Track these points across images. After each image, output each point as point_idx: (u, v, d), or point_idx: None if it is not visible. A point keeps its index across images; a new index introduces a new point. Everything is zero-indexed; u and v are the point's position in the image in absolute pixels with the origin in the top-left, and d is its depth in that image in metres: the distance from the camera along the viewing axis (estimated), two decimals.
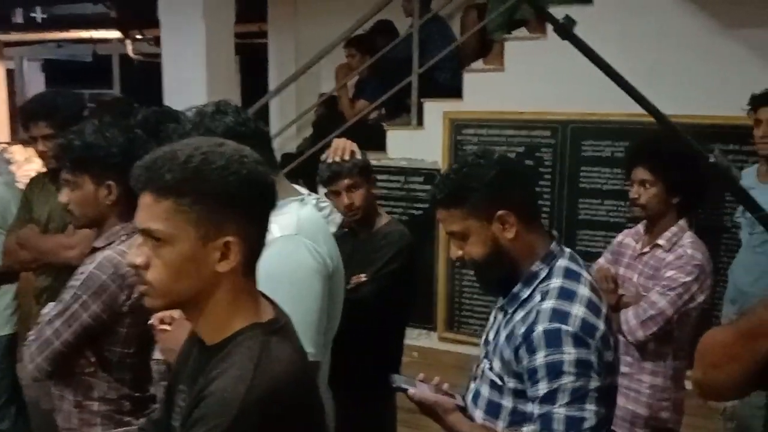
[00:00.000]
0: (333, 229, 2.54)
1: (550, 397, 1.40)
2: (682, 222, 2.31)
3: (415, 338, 4.52)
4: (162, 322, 1.62)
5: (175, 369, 1.32)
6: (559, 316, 1.42)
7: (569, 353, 1.39)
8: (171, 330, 1.57)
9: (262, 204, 1.14)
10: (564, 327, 1.41)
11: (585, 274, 1.53)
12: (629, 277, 2.38)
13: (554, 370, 1.39)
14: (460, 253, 1.56)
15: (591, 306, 1.45)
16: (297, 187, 1.86)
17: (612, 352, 1.47)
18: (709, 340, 1.33)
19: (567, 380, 1.39)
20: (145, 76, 7.10)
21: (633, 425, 2.31)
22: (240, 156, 1.11)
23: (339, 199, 2.34)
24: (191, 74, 4.44)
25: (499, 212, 1.49)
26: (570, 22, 1.10)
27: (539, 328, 1.42)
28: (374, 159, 4.53)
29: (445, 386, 1.62)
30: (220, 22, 4.58)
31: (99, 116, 2.37)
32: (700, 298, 2.22)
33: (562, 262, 1.52)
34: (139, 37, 7.59)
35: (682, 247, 2.25)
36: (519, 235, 1.51)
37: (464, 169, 1.54)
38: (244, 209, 1.11)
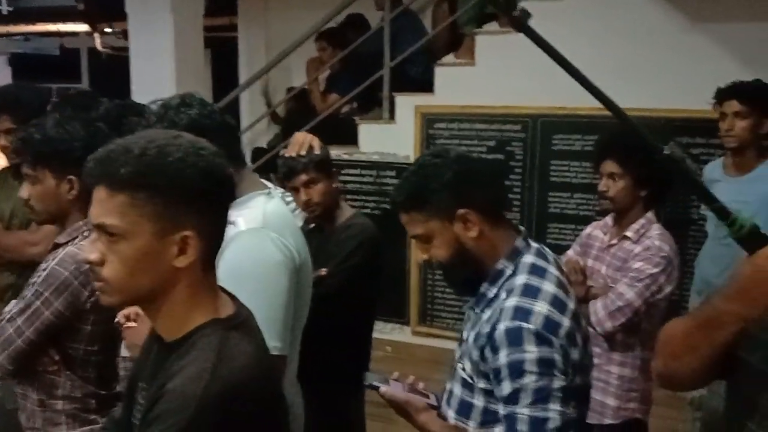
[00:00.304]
0: (299, 224, 2.53)
1: (513, 398, 1.38)
2: (649, 214, 2.33)
3: (389, 332, 4.52)
4: (128, 318, 1.60)
5: (135, 366, 1.30)
6: (521, 313, 1.39)
7: (531, 352, 1.36)
8: (137, 326, 1.55)
9: (221, 197, 1.13)
10: (525, 325, 1.38)
11: (552, 269, 1.50)
12: (597, 269, 2.40)
13: (516, 370, 1.37)
14: (426, 256, 1.54)
15: (556, 303, 1.42)
16: (264, 181, 1.84)
17: (580, 349, 1.45)
18: (668, 331, 1.34)
19: (529, 380, 1.36)
20: (114, 70, 6.98)
21: (602, 416, 2.34)
22: (197, 148, 1.09)
23: (297, 195, 2.31)
24: (160, 68, 4.38)
25: (460, 211, 1.47)
26: (525, 14, 1.10)
27: (501, 327, 1.39)
28: (346, 153, 4.56)
29: (421, 385, 1.60)
30: (188, 15, 4.52)
31: (61, 110, 2.33)
32: (668, 289, 2.25)
33: (527, 259, 1.50)
34: (107, 30, 7.47)
35: (649, 239, 2.27)
36: (482, 233, 1.49)
37: (422, 170, 1.52)
38: (201, 203, 1.09)
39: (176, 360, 1.07)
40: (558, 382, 1.37)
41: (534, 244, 1.55)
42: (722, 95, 2.87)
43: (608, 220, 2.47)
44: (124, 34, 5.71)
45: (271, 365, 1.18)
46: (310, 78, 4.89)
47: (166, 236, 1.07)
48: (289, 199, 2.46)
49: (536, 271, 1.47)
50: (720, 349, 1.21)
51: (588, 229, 2.56)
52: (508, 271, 1.49)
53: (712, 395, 2.59)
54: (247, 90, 5.02)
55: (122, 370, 1.85)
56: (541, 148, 4.15)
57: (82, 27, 7.69)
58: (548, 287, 1.44)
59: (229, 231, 1.51)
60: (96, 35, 7.68)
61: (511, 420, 1.38)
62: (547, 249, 1.57)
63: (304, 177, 2.29)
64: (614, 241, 2.37)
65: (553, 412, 1.36)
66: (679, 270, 2.30)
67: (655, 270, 2.22)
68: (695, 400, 2.98)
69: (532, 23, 3.65)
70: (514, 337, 1.37)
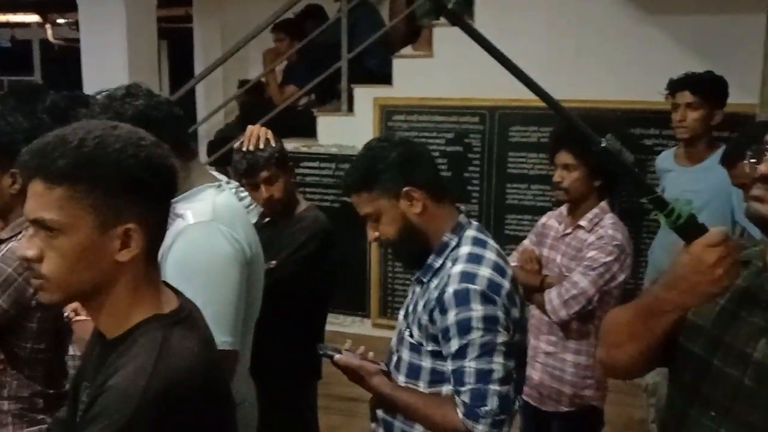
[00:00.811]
0: (254, 219, 2.50)
1: (461, 353, 1.50)
2: (603, 204, 2.36)
3: (349, 325, 4.51)
4: (77, 313, 1.56)
5: (81, 364, 1.26)
6: (467, 277, 1.52)
7: (477, 310, 1.49)
8: (86, 320, 1.51)
9: (163, 188, 1.10)
10: (472, 286, 1.50)
11: (491, 242, 1.65)
12: (553, 258, 2.42)
13: (464, 327, 1.49)
14: (376, 234, 1.65)
15: (497, 268, 1.56)
16: (215, 173, 1.81)
17: (518, 309, 1.59)
18: (611, 320, 1.36)
19: (476, 335, 1.49)
20: (67, 61, 6.82)
21: (558, 403, 2.37)
22: (137, 138, 1.06)
23: (257, 192, 2.27)
24: (112, 60, 4.28)
25: (405, 189, 1.59)
26: (459, 7, 1.09)
27: (450, 290, 1.51)
28: (304, 146, 4.53)
29: (370, 355, 1.71)
30: (141, 5, 4.42)
31: (4, 102, 2.25)
32: (621, 278, 2.28)
33: (470, 232, 1.63)
34: (59, 21, 7.28)
35: (603, 228, 2.30)
36: (426, 209, 1.61)
37: (369, 153, 1.65)
38: (143, 194, 1.06)
39: (117, 357, 1.04)
40: (501, 338, 1.51)
41: (474, 222, 1.69)
42: (675, 86, 2.90)
43: (563, 209, 2.49)
44: (77, 25, 5.58)
45: (217, 361, 1.16)
46: (266, 69, 4.83)
47: (108, 230, 1.03)
48: (243, 193, 2.42)
49: (478, 242, 1.61)
50: (661, 337, 1.23)
51: (543, 219, 2.58)
52: (453, 243, 1.62)
53: (665, 382, 2.64)
54: (203, 82, 4.93)
55: (72, 369, 1.81)
56: (498, 140, 4.19)
57: (34, 18, 7.48)
58: (490, 255, 1.58)
59: (178, 224, 1.49)
60: (48, 26, 7.48)
61: (459, 374, 1.51)
62: (482, 227, 1.71)
63: (265, 173, 2.25)
64: (568, 231, 2.39)
65: (497, 364, 1.50)
66: (632, 258, 2.33)
67: (609, 258, 2.24)
68: (649, 387, 3.04)
69: (489, 16, 3.68)
70: (462, 298, 1.50)
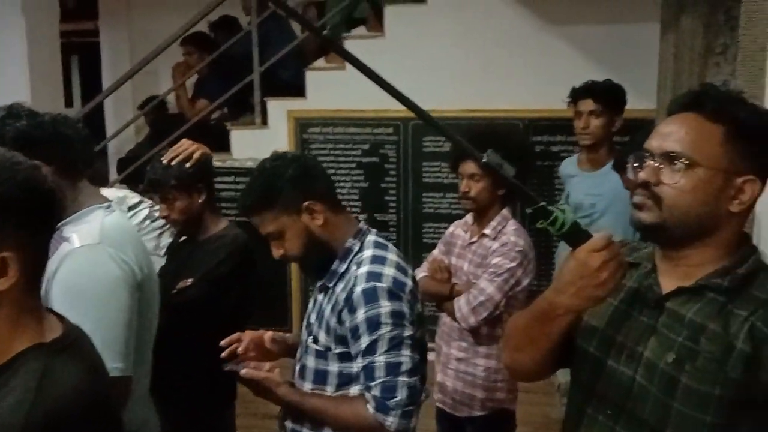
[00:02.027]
0: (170, 237, 2.43)
1: (371, 348, 1.56)
2: (505, 211, 2.40)
3: None
4: None
5: None
6: (374, 276, 1.59)
7: (385, 306, 1.56)
8: None
9: (43, 213, 1.05)
10: (379, 284, 1.57)
11: (390, 245, 1.73)
12: (460, 267, 2.46)
13: (373, 323, 1.55)
14: (281, 251, 1.68)
15: (399, 267, 1.64)
16: (113, 191, 1.76)
17: (419, 305, 1.67)
18: (511, 325, 1.39)
19: (385, 330, 1.55)
20: None
21: (471, 408, 2.40)
22: (12, 162, 1.01)
23: (161, 207, 2.23)
24: (12, 76, 4.11)
25: (306, 203, 1.63)
26: (334, 34, 1.12)
27: (358, 289, 1.58)
28: (219, 160, 4.43)
29: (276, 371, 1.71)
30: (42, 19, 4.26)
31: None
32: (525, 282, 2.34)
33: (371, 237, 1.71)
34: None
35: (506, 235, 2.35)
36: (327, 220, 1.66)
37: (265, 173, 1.68)
38: (21, 220, 1.01)
39: None
40: (408, 332, 1.58)
41: (373, 229, 1.75)
42: (577, 95, 3.00)
43: (468, 218, 2.53)
44: None
45: (105, 388, 1.11)
46: (176, 84, 4.73)
47: None
48: (157, 214, 2.36)
49: (379, 245, 1.69)
50: (558, 340, 1.26)
51: (451, 228, 2.62)
52: (356, 248, 1.68)
53: None
54: (111, 97, 4.78)
55: None
56: (413, 150, 4.23)
57: None
58: (392, 256, 1.66)
59: (64, 248, 1.43)
60: None
61: (369, 369, 1.56)
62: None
63: (164, 192, 2.20)
64: (474, 239, 2.44)
65: (405, 357, 1.57)
66: (535, 263, 2.40)
67: (512, 264, 2.30)
68: (562, 386, 3.12)
69: (398, 31, 3.72)
70: (370, 295, 1.56)
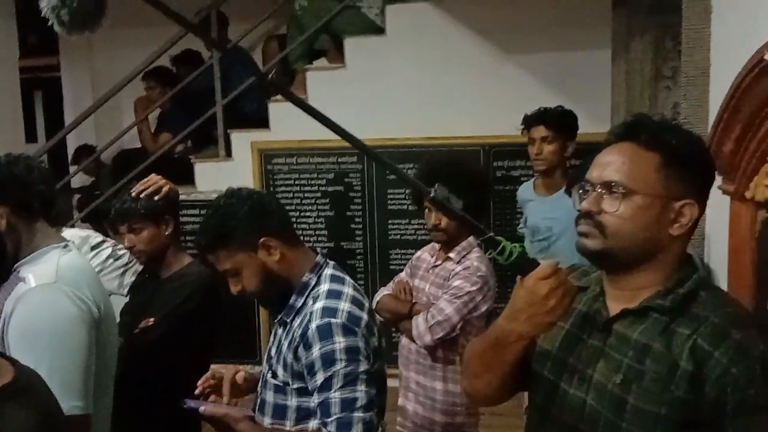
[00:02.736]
0: (132, 276, 2.42)
1: (326, 385, 1.56)
2: (471, 239, 2.44)
3: None
4: None
5: None
6: (328, 312, 1.60)
7: (339, 342, 1.56)
8: None
9: None
10: (333, 320, 1.58)
11: (347, 278, 1.73)
12: (422, 288, 2.51)
13: (328, 359, 1.56)
14: (239, 287, 1.68)
15: (355, 301, 1.65)
16: (75, 231, 1.76)
17: (376, 338, 1.68)
18: (468, 351, 1.42)
19: (339, 366, 1.55)
20: None
21: None
22: None
23: (127, 237, 2.23)
24: None
25: (262, 240, 1.64)
26: (281, 77, 1.17)
27: (313, 326, 1.58)
28: (183, 193, 4.39)
29: (237, 406, 1.71)
30: (1, 54, 4.24)
31: None
32: (483, 308, 2.37)
33: (328, 271, 1.72)
34: None
35: (469, 260, 2.40)
36: (284, 255, 1.67)
37: (219, 211, 1.67)
38: None
39: None
40: (363, 366, 1.58)
41: (330, 261, 1.76)
42: (529, 121, 3.07)
43: (435, 244, 2.57)
44: None
45: (60, 429, 1.11)
46: (138, 118, 4.72)
47: None
48: (122, 251, 2.35)
49: (336, 279, 1.70)
50: (512, 365, 1.29)
51: (418, 253, 2.67)
52: (313, 282, 1.69)
53: None
54: (74, 132, 4.74)
55: None
56: (377, 178, 4.27)
57: None
58: (348, 290, 1.67)
59: (20, 288, 1.43)
60: None
61: (325, 405, 1.56)
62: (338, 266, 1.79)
63: (127, 225, 2.20)
64: (438, 262, 2.49)
65: (360, 392, 1.56)
66: (494, 290, 2.43)
67: (473, 288, 2.34)
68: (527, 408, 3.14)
69: (358, 62, 3.77)
70: (325, 332, 1.57)
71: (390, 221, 4.30)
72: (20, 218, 1.51)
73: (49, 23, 1.07)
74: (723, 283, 1.84)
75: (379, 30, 4.15)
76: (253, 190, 1.79)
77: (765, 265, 1.65)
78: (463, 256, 2.42)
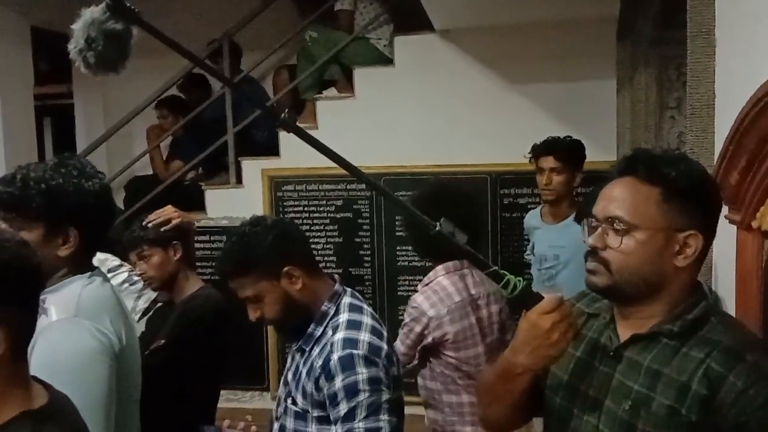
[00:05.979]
0: (145, 303, 2.47)
1: (350, 415, 1.58)
2: (439, 267, 2.38)
3: (248, 400, 4.43)
4: None
5: None
6: (350, 343, 1.63)
7: (362, 373, 1.59)
8: None
9: (28, 287, 1.10)
10: (355, 351, 1.61)
11: (365, 306, 1.76)
12: None
13: (351, 390, 1.58)
14: (258, 314, 1.71)
15: (374, 331, 1.68)
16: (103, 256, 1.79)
17: (395, 367, 1.70)
18: (481, 381, 1.46)
19: (363, 397, 1.58)
20: None
21: None
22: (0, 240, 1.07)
23: (139, 265, 2.30)
24: None
25: (285, 269, 1.67)
26: (291, 116, 1.24)
27: (335, 357, 1.61)
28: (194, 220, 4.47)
29: (253, 428, 1.71)
30: (16, 84, 4.33)
31: None
32: (430, 338, 2.29)
33: (346, 300, 1.74)
34: None
35: (418, 292, 2.37)
36: (306, 285, 1.70)
37: (244, 239, 1.70)
38: (9, 297, 1.06)
39: None
40: (385, 396, 1.61)
41: (348, 289, 1.79)
42: (537, 151, 3.11)
43: None
44: None
45: None
46: (150, 146, 4.79)
47: None
48: (136, 278, 2.40)
49: (355, 308, 1.73)
50: (522, 395, 1.32)
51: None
52: (332, 311, 1.71)
53: None
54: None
55: None
56: (385, 206, 4.32)
57: None
58: (367, 320, 1.70)
59: (42, 321, 1.45)
60: None
61: None
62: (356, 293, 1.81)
63: (138, 251, 2.28)
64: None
65: (384, 422, 1.59)
66: (449, 316, 2.29)
67: (407, 319, 2.32)
68: None
69: (367, 94, 3.83)
70: (347, 363, 1.60)
71: (398, 248, 4.33)
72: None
73: (76, 64, 1.13)
74: (731, 310, 1.86)
75: (388, 61, 4.23)
76: (277, 218, 1.83)
77: None
78: (426, 285, 2.37)
